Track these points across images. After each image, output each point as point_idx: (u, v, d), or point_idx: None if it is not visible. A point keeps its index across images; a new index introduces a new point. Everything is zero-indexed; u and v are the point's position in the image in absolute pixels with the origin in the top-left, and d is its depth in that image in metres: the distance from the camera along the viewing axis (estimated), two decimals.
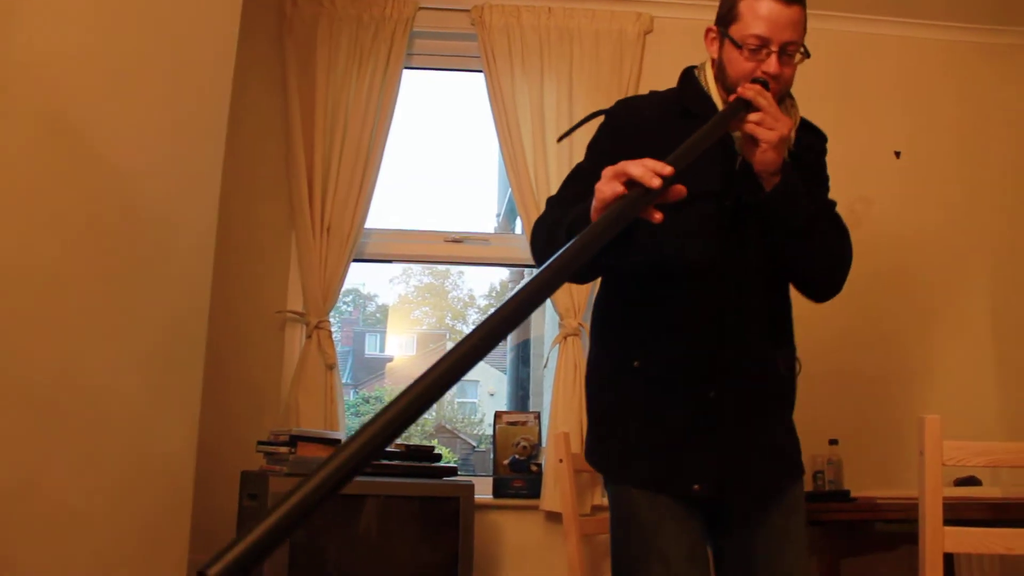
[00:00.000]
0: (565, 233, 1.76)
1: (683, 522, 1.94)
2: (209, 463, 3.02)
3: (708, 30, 2.02)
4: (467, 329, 7.11)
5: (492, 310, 1.21)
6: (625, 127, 2.04)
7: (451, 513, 3.05)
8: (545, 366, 3.85)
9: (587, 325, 3.50)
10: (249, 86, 3.58)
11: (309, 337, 3.57)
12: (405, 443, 3.36)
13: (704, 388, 1.95)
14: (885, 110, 4.07)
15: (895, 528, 3.14)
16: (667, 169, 1.54)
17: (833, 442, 3.51)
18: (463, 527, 3.04)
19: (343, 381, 3.73)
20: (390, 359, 7.05)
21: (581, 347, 3.60)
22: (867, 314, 3.81)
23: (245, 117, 3.55)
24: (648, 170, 1.54)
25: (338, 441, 3.18)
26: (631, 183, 1.56)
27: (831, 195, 2.16)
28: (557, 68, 3.82)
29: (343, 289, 3.72)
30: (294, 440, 3.03)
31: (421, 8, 3.87)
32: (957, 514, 2.37)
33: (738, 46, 1.91)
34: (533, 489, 3.61)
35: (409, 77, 3.95)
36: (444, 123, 4.68)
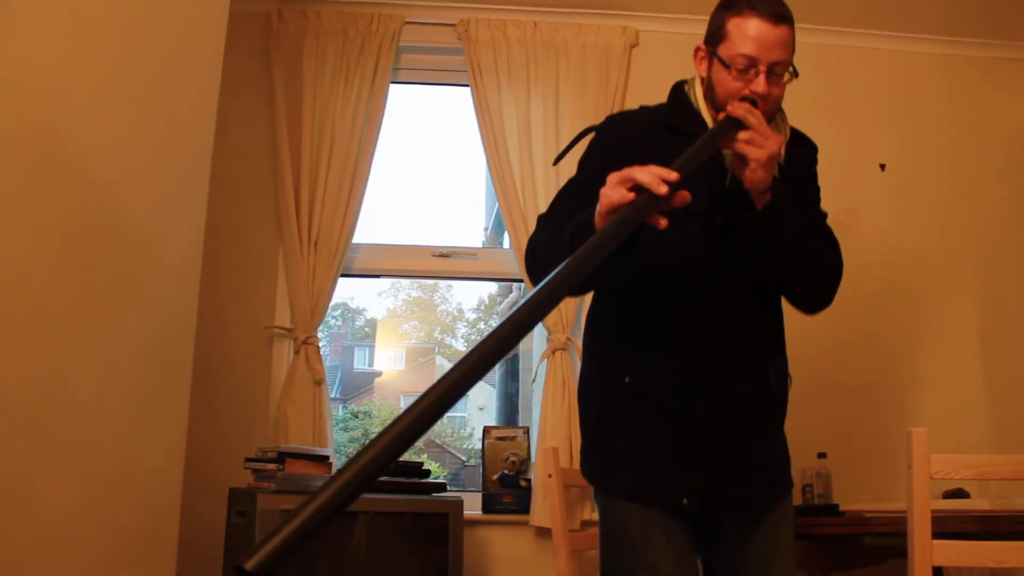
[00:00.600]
0: (569, 241, 1.77)
1: (672, 534, 1.95)
2: (196, 479, 3.01)
3: (697, 49, 2.03)
4: (456, 343, 7.10)
5: (510, 311, 1.26)
6: (616, 142, 2.04)
7: (440, 529, 3.04)
8: (534, 381, 3.85)
9: (575, 340, 3.51)
10: (236, 100, 3.58)
11: (297, 352, 3.56)
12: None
13: (695, 404, 1.96)
14: (875, 123, 4.08)
15: (884, 542, 3.14)
16: (673, 175, 1.58)
17: (821, 455, 3.51)
18: (452, 543, 3.03)
19: (332, 396, 3.71)
20: (379, 374, 7.03)
21: (570, 361, 3.59)
22: (855, 327, 3.81)
23: (232, 131, 3.54)
24: (655, 176, 1.58)
25: (326, 458, 3.16)
26: (638, 188, 1.59)
27: (822, 205, 2.16)
28: (543, 82, 3.83)
29: (331, 303, 3.71)
30: (282, 457, 3.02)
31: (407, 23, 3.88)
32: (946, 527, 2.37)
33: (726, 66, 1.91)
34: (522, 504, 3.60)
35: (396, 91, 3.95)
36: (431, 137, 4.69)
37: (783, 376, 2.09)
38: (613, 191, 1.64)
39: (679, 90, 2.09)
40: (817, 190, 2.16)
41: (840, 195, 3.82)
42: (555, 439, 3.47)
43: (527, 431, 3.74)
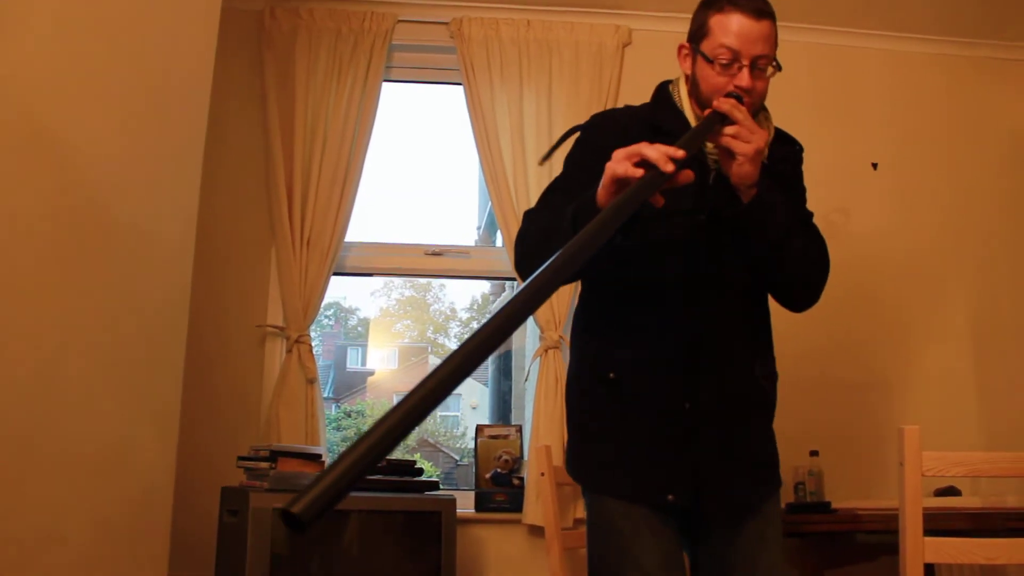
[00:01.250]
0: (571, 222, 1.77)
1: (659, 531, 1.96)
2: (189, 478, 3.00)
3: (680, 47, 2.04)
4: (449, 343, 7.10)
5: (517, 290, 1.28)
6: (601, 140, 2.04)
7: (433, 528, 3.04)
8: (526, 379, 3.85)
9: (567, 338, 3.51)
10: (228, 98, 3.57)
11: (289, 351, 3.56)
12: (387, 458, 3.34)
13: (680, 401, 1.96)
14: (868, 122, 4.10)
15: (876, 539, 3.16)
16: (679, 153, 1.64)
17: (814, 453, 3.51)
18: (445, 542, 3.03)
19: (324, 395, 3.71)
20: (371, 373, 7.02)
21: (562, 360, 3.59)
22: (847, 325, 3.83)
23: (224, 129, 3.54)
24: (663, 153, 1.63)
25: (319, 456, 3.16)
26: (644, 164, 1.64)
27: (810, 205, 2.17)
28: (536, 80, 3.83)
29: (324, 303, 3.70)
30: (274, 455, 3.02)
31: (400, 21, 3.88)
32: (937, 524, 2.38)
33: (710, 61, 1.92)
34: (515, 503, 3.60)
35: (388, 90, 3.95)
36: (424, 136, 4.68)
37: (770, 374, 2.10)
38: (620, 165, 1.68)
39: (663, 90, 2.10)
40: (803, 190, 2.16)
41: (833, 194, 3.86)
42: (548, 437, 3.47)
43: (520, 429, 3.75)
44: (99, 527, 2.32)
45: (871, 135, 4.09)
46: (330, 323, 6.75)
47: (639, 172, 1.65)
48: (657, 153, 1.63)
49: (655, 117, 2.04)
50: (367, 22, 3.81)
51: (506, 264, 3.80)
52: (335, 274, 3.73)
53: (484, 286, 5.42)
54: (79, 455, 2.26)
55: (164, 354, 2.67)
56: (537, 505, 3.44)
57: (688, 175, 1.67)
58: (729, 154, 1.85)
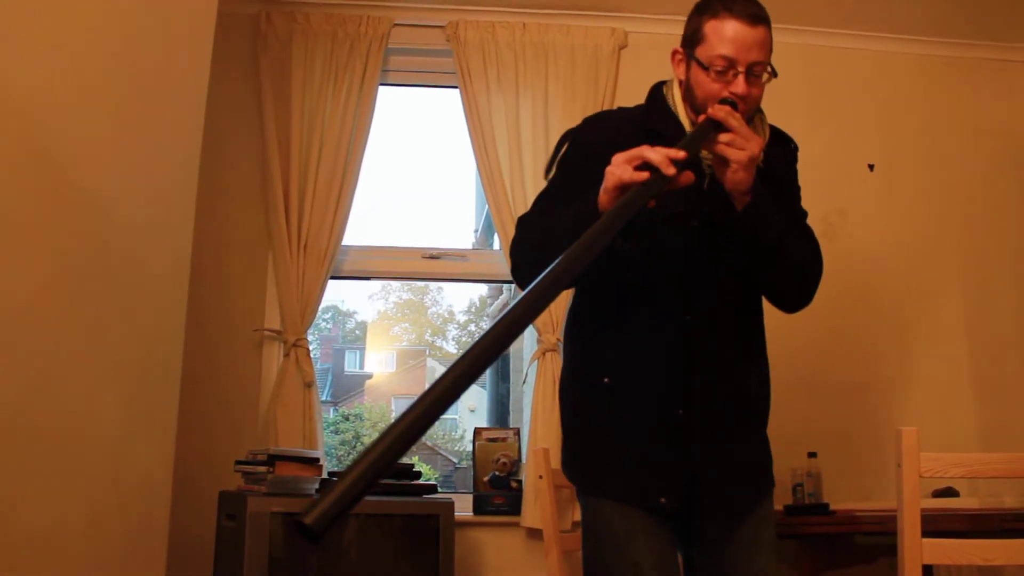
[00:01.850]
0: (571, 226, 1.77)
1: (653, 533, 1.96)
2: (186, 483, 3.00)
3: (674, 52, 2.03)
4: (447, 345, 7.09)
5: (519, 296, 1.31)
6: (593, 144, 2.04)
7: (431, 531, 3.04)
8: (524, 382, 3.85)
9: None
10: (224, 103, 3.57)
11: (287, 355, 3.56)
12: None
13: (673, 405, 1.97)
14: (859, 123, 4.10)
15: (874, 540, 3.15)
16: (680, 154, 1.67)
17: (812, 455, 3.51)
18: (443, 545, 3.03)
19: (323, 399, 3.71)
20: (369, 376, 7.02)
21: (560, 362, 3.58)
22: (844, 326, 3.83)
23: (220, 134, 3.53)
24: (664, 156, 1.66)
25: (316, 460, 3.16)
26: (646, 167, 1.66)
27: (805, 206, 2.17)
28: (532, 83, 3.84)
29: (322, 306, 3.70)
30: (272, 459, 3.01)
31: (396, 25, 3.88)
32: (935, 525, 2.38)
33: (705, 67, 1.92)
34: (513, 506, 3.59)
35: (385, 94, 3.95)
36: (421, 139, 4.69)
37: (764, 378, 2.10)
38: (621, 169, 1.70)
39: (657, 92, 2.10)
40: (797, 189, 2.16)
41: (829, 196, 3.86)
42: (546, 440, 3.47)
43: (518, 432, 3.74)
44: (96, 531, 2.32)
45: (866, 137, 4.09)
46: (328, 326, 6.76)
47: (643, 175, 1.67)
48: (659, 156, 1.66)
49: (648, 120, 2.04)
50: (363, 26, 3.81)
51: (503, 267, 3.80)
52: (332, 278, 3.73)
53: (482, 289, 5.43)
54: (76, 460, 2.26)
55: (162, 358, 2.67)
56: (535, 508, 3.43)
57: (689, 176, 1.71)
58: (723, 161, 1.85)
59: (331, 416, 6.08)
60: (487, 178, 3.74)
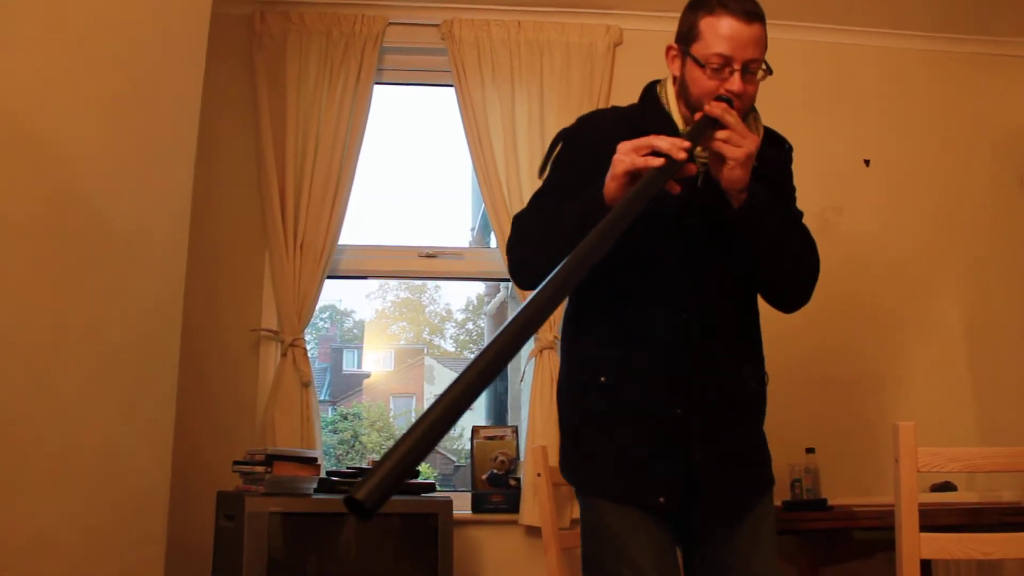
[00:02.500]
0: (578, 219, 1.78)
1: (652, 532, 1.96)
2: (184, 484, 3.00)
3: (668, 48, 2.02)
4: (444, 344, 7.08)
5: (544, 282, 1.34)
6: (588, 141, 2.05)
7: (430, 529, 3.04)
8: (522, 380, 3.85)
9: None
10: (219, 103, 3.56)
11: (284, 355, 3.55)
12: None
13: (671, 404, 1.96)
14: (856, 119, 4.10)
15: (872, 535, 3.16)
16: (687, 143, 1.73)
17: (810, 451, 3.51)
18: (442, 543, 3.03)
19: (321, 398, 3.71)
20: (367, 375, 7.02)
21: (557, 360, 3.59)
22: (842, 323, 3.83)
23: (216, 134, 3.53)
24: (674, 144, 1.71)
25: (314, 460, 3.15)
26: (657, 155, 1.72)
27: (800, 204, 2.17)
28: (528, 81, 3.83)
29: (320, 305, 3.70)
30: (270, 459, 3.01)
31: (391, 23, 3.87)
32: (934, 520, 2.38)
33: (701, 65, 1.91)
34: (512, 504, 3.59)
35: (380, 92, 3.94)
36: (416, 138, 4.68)
37: (760, 376, 2.10)
38: (631, 156, 1.74)
39: (650, 91, 2.10)
40: (792, 190, 2.16)
41: (826, 191, 3.86)
42: (544, 438, 3.47)
43: (516, 430, 3.74)
44: (94, 532, 2.32)
45: (863, 132, 4.09)
46: (326, 326, 6.75)
47: (657, 161, 1.71)
48: (668, 143, 1.70)
49: (642, 120, 2.03)
50: (358, 25, 3.81)
51: (500, 265, 3.79)
52: (329, 277, 3.73)
53: (479, 287, 5.42)
54: (73, 460, 2.26)
55: (158, 359, 2.67)
56: (534, 506, 3.43)
57: (692, 167, 1.76)
58: (720, 158, 1.85)
59: (329, 415, 6.07)
60: (483, 176, 3.74)
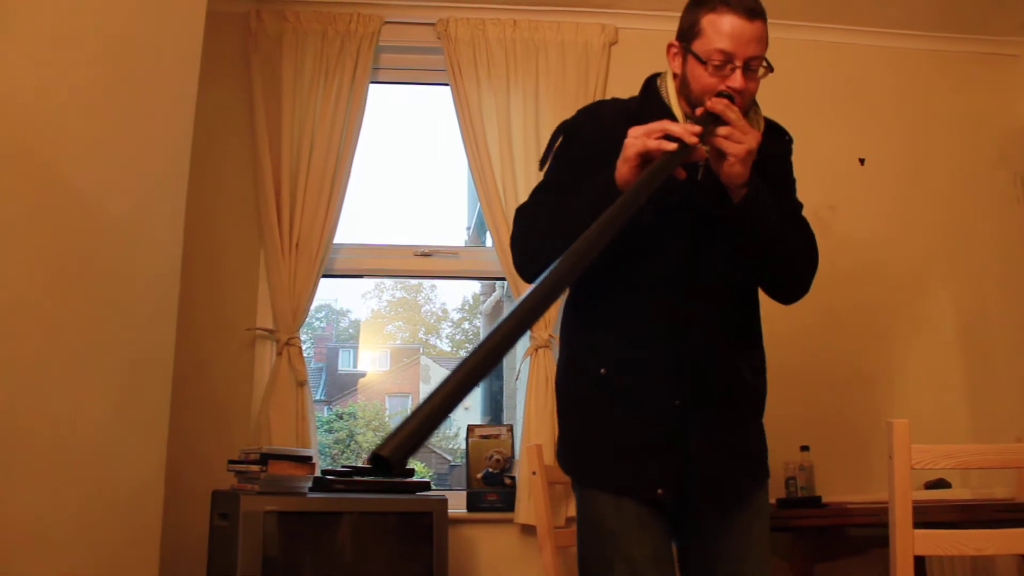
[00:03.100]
0: (589, 206, 1.76)
1: (648, 525, 1.97)
2: (179, 483, 2.99)
3: (670, 45, 2.03)
4: (440, 343, 7.07)
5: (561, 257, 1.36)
6: (588, 134, 2.06)
7: (425, 528, 3.04)
8: (517, 378, 3.85)
9: (557, 336, 3.51)
10: (214, 102, 3.56)
11: (279, 354, 3.55)
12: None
13: (669, 397, 1.97)
14: (849, 118, 4.11)
15: (866, 532, 3.16)
16: (698, 128, 1.78)
17: (804, 448, 3.52)
18: (437, 542, 3.03)
19: (317, 398, 3.71)
20: (363, 375, 7.01)
21: (552, 359, 3.59)
22: (835, 320, 3.84)
23: (211, 133, 3.53)
24: (686, 128, 1.76)
25: (309, 459, 3.15)
26: (669, 138, 1.75)
27: (801, 200, 2.17)
28: (523, 80, 3.84)
29: (316, 305, 3.70)
30: (265, 458, 3.01)
31: (386, 22, 3.88)
32: (927, 517, 2.39)
33: (702, 62, 1.92)
34: (507, 502, 3.60)
35: (376, 91, 3.95)
36: (412, 137, 4.68)
37: (760, 369, 2.10)
38: (642, 140, 1.78)
39: (651, 84, 2.10)
40: (792, 181, 2.17)
41: (822, 189, 3.87)
42: (539, 436, 3.48)
43: (511, 429, 3.75)
44: (88, 531, 2.32)
45: (860, 131, 4.10)
46: (322, 325, 6.75)
47: (671, 145, 1.74)
48: (680, 128, 1.76)
49: (642, 113, 2.04)
50: (353, 24, 3.81)
51: (495, 264, 3.80)
52: (324, 276, 3.73)
53: (475, 286, 5.42)
54: (67, 461, 2.25)
55: (153, 358, 2.67)
56: (529, 504, 3.44)
57: (702, 152, 1.82)
58: (720, 154, 1.86)
59: (325, 415, 6.07)
60: (478, 175, 3.74)
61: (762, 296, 2.15)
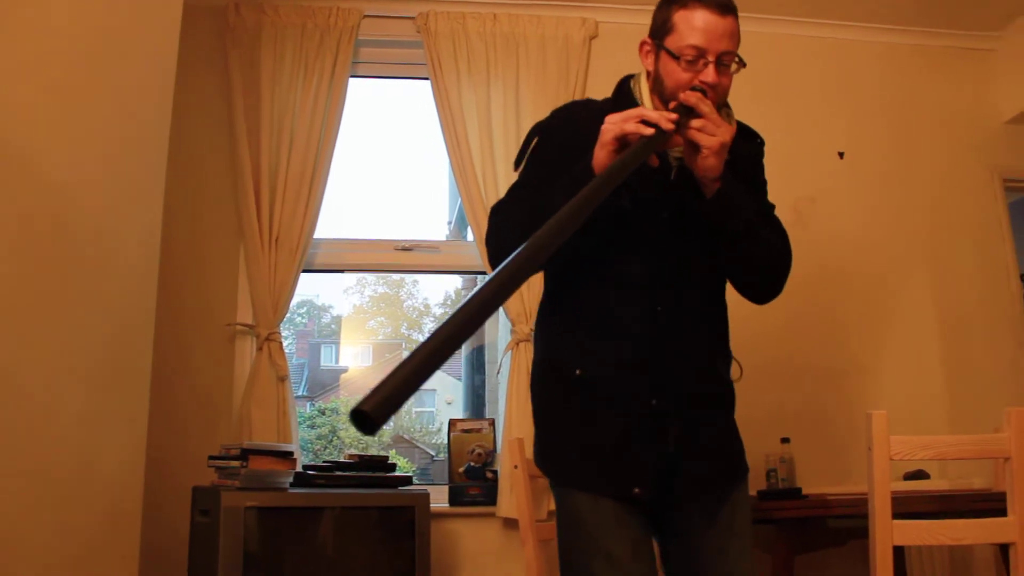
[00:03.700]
0: (566, 192, 1.75)
1: (626, 523, 1.96)
2: (159, 479, 2.98)
3: (642, 43, 2.03)
4: (423, 339, 7.11)
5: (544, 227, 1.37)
6: (564, 133, 2.06)
7: (407, 522, 3.04)
8: (498, 372, 3.85)
9: None
10: (192, 96, 3.55)
11: (260, 349, 3.54)
12: (359, 454, 3.34)
13: (645, 396, 1.97)
14: (828, 111, 4.13)
15: (846, 523, 3.18)
16: (675, 115, 1.79)
17: (785, 440, 3.54)
18: (419, 536, 3.03)
19: (299, 394, 3.69)
20: (345, 370, 6.99)
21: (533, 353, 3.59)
22: (815, 313, 3.86)
23: (189, 127, 3.51)
24: (663, 115, 1.78)
25: (290, 454, 3.14)
26: (647, 124, 1.77)
27: (778, 194, 2.18)
28: (503, 74, 3.83)
29: (297, 301, 3.68)
30: (246, 453, 2.99)
31: (366, 16, 3.86)
32: (906, 507, 2.40)
33: (675, 57, 1.92)
34: (489, 496, 3.60)
35: (355, 86, 3.93)
36: (392, 131, 4.66)
37: (729, 364, 2.11)
38: (616, 127, 1.79)
39: (624, 86, 2.11)
40: (764, 183, 2.18)
41: (800, 182, 3.89)
42: (520, 430, 3.47)
43: (493, 423, 3.75)
44: (65, 531, 2.30)
45: (834, 124, 4.12)
46: (303, 321, 6.72)
47: (648, 130, 1.75)
48: (657, 114, 1.77)
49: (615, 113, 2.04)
50: (332, 17, 3.79)
51: (476, 258, 3.80)
52: (305, 271, 3.72)
53: (456, 281, 5.40)
54: (43, 457, 2.24)
55: (132, 353, 2.65)
56: (511, 498, 3.44)
57: (678, 140, 1.82)
58: (694, 147, 1.86)
59: (307, 411, 6.05)
60: (459, 169, 3.74)
61: (730, 293, 2.15)
